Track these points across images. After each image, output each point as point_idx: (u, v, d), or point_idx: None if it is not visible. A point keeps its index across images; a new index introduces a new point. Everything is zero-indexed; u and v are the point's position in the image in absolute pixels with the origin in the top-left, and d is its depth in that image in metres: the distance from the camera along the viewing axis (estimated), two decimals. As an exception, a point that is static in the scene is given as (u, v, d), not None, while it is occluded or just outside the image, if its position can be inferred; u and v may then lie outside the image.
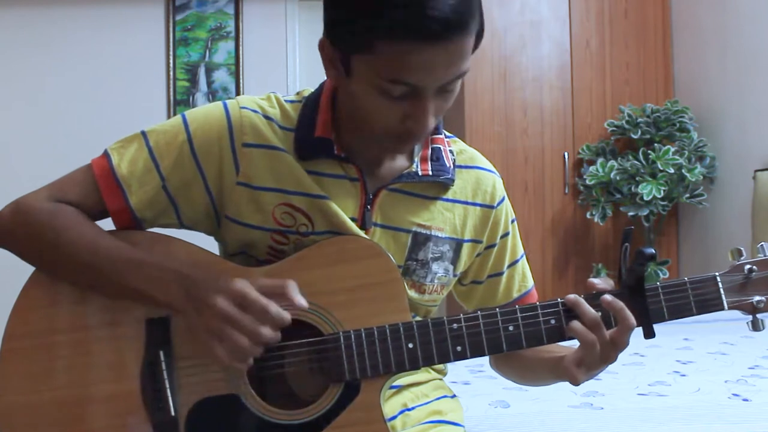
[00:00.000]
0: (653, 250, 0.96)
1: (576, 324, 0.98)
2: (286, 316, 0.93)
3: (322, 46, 0.99)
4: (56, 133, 4.13)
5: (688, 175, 3.60)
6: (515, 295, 1.21)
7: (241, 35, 4.28)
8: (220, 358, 0.93)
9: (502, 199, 1.18)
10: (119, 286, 1.00)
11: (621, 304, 0.98)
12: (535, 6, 4.09)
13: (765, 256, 1.01)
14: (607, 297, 0.98)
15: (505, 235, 1.19)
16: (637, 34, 4.12)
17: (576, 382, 1.01)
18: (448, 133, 1.16)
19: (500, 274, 1.20)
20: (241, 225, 1.07)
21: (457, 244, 1.13)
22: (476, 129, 4.01)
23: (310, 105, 1.08)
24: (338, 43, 0.96)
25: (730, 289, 1.01)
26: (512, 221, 1.20)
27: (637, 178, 3.69)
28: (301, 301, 0.95)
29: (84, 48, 4.19)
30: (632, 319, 0.98)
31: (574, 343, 1.02)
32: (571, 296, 1.00)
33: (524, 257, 1.24)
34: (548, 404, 1.62)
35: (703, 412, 1.52)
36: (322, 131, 1.06)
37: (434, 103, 0.95)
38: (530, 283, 1.24)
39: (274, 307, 0.93)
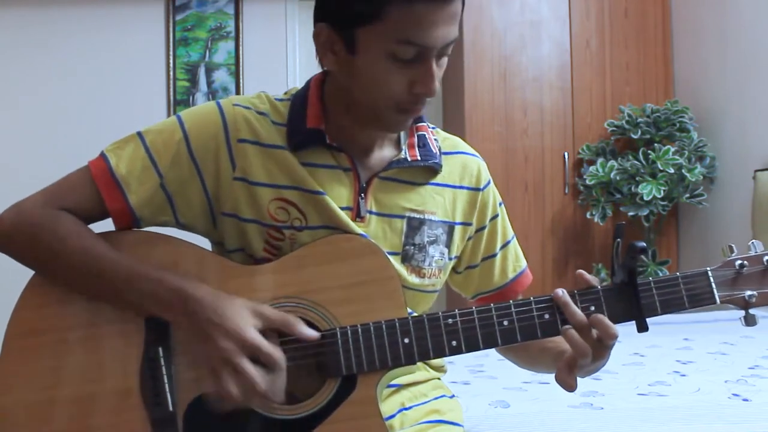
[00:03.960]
0: (644, 244, 0.96)
1: (572, 332, 0.97)
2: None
3: (318, 34, 1.03)
4: (56, 133, 4.13)
5: (688, 175, 3.60)
6: (511, 275, 1.24)
7: (241, 35, 4.28)
8: (218, 396, 0.96)
9: (488, 183, 1.21)
10: (118, 298, 1.01)
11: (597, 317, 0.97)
12: (535, 6, 4.09)
13: (756, 252, 1.03)
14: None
15: (494, 217, 1.21)
16: (637, 34, 4.12)
17: (572, 389, 1.00)
18: (429, 124, 1.19)
19: (494, 255, 1.22)
20: (237, 220, 1.08)
21: (450, 227, 1.15)
22: (476, 129, 4.01)
23: (299, 100, 1.11)
24: (341, 22, 0.99)
25: (722, 283, 1.02)
26: (500, 204, 1.23)
27: (637, 178, 3.69)
28: (309, 333, 0.98)
29: (84, 48, 4.19)
30: (615, 330, 0.98)
31: None
32: (559, 292, 1.00)
33: (515, 238, 1.26)
34: (548, 404, 1.62)
35: (703, 412, 1.52)
36: (313, 122, 1.08)
37: (435, 69, 1.00)
38: (523, 262, 1.26)
39: (282, 361, 0.96)
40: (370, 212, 1.10)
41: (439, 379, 1.22)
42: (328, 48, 1.03)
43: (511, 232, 1.25)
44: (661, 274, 3.68)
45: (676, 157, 3.63)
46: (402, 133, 1.15)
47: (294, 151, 1.08)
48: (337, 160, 1.09)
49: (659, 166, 3.62)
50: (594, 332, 0.98)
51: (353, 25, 0.98)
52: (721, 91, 3.79)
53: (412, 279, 1.11)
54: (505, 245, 1.23)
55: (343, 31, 1.00)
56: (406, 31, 0.96)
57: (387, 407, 1.08)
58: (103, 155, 1.08)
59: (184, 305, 0.98)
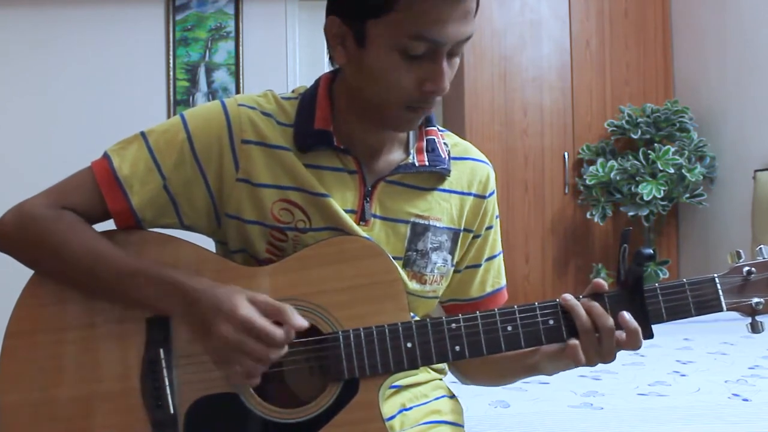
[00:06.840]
0: (652, 251, 0.96)
1: (573, 342, 0.98)
2: (291, 335, 0.96)
3: (329, 27, 1.01)
4: (56, 133, 4.13)
5: (688, 175, 3.60)
6: (488, 289, 1.21)
7: (241, 35, 4.28)
8: (234, 381, 0.96)
9: (493, 192, 1.19)
10: (121, 296, 1.01)
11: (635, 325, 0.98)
12: (535, 6, 4.09)
13: (764, 258, 1.01)
14: (625, 315, 0.98)
15: (489, 227, 1.20)
16: (637, 34, 4.12)
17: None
18: (440, 127, 1.17)
19: (478, 266, 1.20)
20: (241, 221, 1.07)
21: (455, 234, 1.14)
22: (476, 129, 4.01)
23: (307, 100, 1.10)
24: (352, 13, 0.98)
25: (729, 290, 1.00)
26: (496, 216, 1.21)
27: (637, 178, 3.69)
28: (300, 321, 0.96)
29: (84, 48, 4.19)
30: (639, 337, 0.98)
31: None
32: (567, 296, 1.00)
33: (502, 255, 1.24)
34: (548, 404, 1.62)
35: (703, 412, 1.52)
36: (321, 124, 1.07)
37: (446, 67, 0.98)
38: (503, 281, 1.24)
39: (279, 332, 0.95)
40: (375, 216, 1.09)
41: (440, 379, 1.22)
42: (338, 41, 1.01)
43: (499, 248, 1.23)
44: (661, 274, 3.70)
45: (676, 157, 3.63)
46: (411, 137, 1.13)
47: (300, 152, 1.07)
48: (343, 162, 1.08)
49: (659, 166, 3.62)
50: (621, 333, 0.98)
51: (364, 16, 0.97)
52: (721, 91, 3.79)
53: (413, 285, 1.10)
54: (491, 258, 1.21)
55: (353, 24, 0.98)
56: (417, 26, 0.94)
57: (387, 408, 1.07)
58: (106, 155, 1.07)
59: (183, 298, 0.98)
